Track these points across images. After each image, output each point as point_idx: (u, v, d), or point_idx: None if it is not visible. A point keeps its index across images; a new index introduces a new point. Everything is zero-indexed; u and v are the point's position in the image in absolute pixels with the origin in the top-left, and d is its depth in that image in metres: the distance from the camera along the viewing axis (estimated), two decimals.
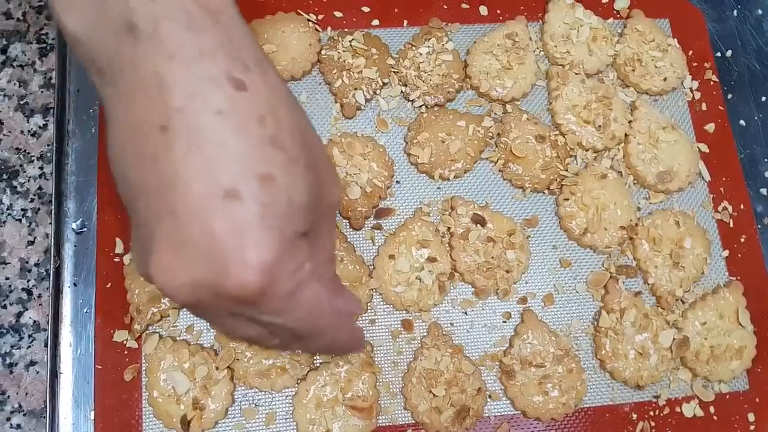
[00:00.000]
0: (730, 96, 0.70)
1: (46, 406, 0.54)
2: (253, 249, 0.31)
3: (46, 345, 0.56)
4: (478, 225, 0.61)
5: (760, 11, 0.73)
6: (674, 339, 0.60)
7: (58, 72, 0.63)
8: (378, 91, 0.65)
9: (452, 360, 0.57)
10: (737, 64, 0.71)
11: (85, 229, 0.60)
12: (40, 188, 0.62)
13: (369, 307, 0.59)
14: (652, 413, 0.59)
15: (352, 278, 0.59)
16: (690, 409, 0.60)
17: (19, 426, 0.56)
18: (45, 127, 0.64)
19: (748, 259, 0.65)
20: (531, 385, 0.57)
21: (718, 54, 0.71)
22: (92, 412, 0.55)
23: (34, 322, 0.59)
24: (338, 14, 0.68)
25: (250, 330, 0.38)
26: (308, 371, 0.56)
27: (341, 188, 0.37)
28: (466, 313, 0.60)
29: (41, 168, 0.63)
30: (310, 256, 0.36)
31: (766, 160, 0.68)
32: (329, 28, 0.67)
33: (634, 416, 0.59)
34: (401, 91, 0.65)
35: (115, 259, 0.58)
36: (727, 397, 0.60)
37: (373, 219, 0.62)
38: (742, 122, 0.69)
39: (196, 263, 0.31)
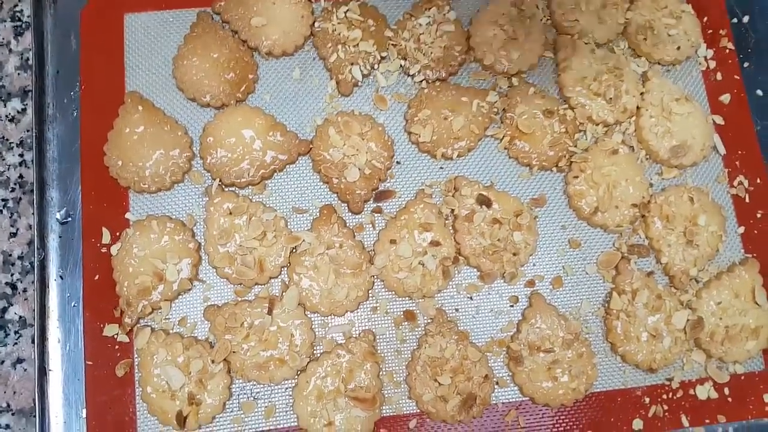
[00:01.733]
0: (746, 64, 0.66)
1: (35, 405, 0.52)
2: None
3: (33, 341, 0.54)
4: (483, 206, 0.58)
5: None
6: (688, 320, 0.57)
7: (36, 53, 0.60)
8: (376, 66, 0.62)
9: (458, 347, 0.55)
10: (754, 30, 0.67)
11: (69, 219, 0.57)
12: (21, 177, 0.59)
13: (370, 295, 0.57)
14: (665, 396, 0.57)
15: (352, 265, 0.56)
16: (704, 391, 0.58)
17: (8, 426, 0.54)
18: (24, 111, 0.60)
19: (765, 235, 0.62)
20: (540, 370, 0.55)
21: (734, 20, 0.67)
22: (84, 410, 0.52)
23: (20, 317, 0.56)
24: None
25: None
26: (308, 362, 0.54)
27: None
28: (471, 298, 0.58)
29: (21, 155, 0.60)
30: None
31: None
32: None
33: (647, 400, 0.57)
34: (400, 66, 0.62)
35: (102, 250, 0.55)
36: (742, 377, 0.59)
37: (373, 202, 0.59)
38: (759, 92, 0.66)
39: None
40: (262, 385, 0.54)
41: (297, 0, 0.61)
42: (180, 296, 0.55)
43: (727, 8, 0.67)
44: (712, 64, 0.65)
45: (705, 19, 0.66)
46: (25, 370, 0.55)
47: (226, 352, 0.53)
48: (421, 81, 0.61)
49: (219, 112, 0.59)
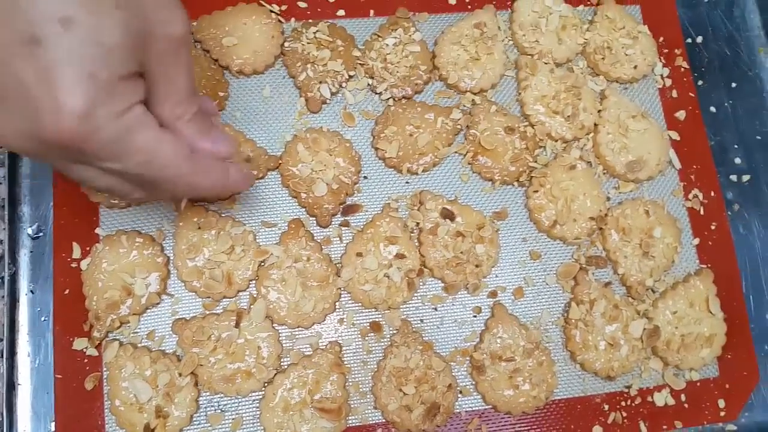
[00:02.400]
0: (700, 82, 0.69)
1: (3, 419, 0.53)
2: (64, 95, 0.31)
3: (2, 355, 0.55)
4: (447, 219, 0.60)
5: None
6: (645, 329, 0.59)
7: None
8: (344, 84, 0.63)
9: (422, 357, 0.57)
10: (708, 50, 0.70)
11: (41, 234, 0.58)
12: None
13: (337, 307, 0.58)
14: (623, 403, 0.59)
15: (319, 277, 0.57)
16: (661, 398, 0.60)
17: None
18: None
19: (719, 246, 0.64)
20: (501, 379, 0.57)
21: (689, 40, 0.70)
22: (53, 423, 0.53)
23: None
24: (302, 4, 0.65)
25: (102, 179, 0.38)
26: (275, 374, 0.55)
27: (182, 19, 0.38)
28: (436, 309, 0.59)
29: None
30: (143, 97, 0.36)
31: (735, 146, 0.68)
32: (293, 19, 0.65)
33: (606, 407, 0.59)
34: (368, 84, 0.64)
35: (73, 265, 0.56)
36: (698, 384, 0.61)
37: (341, 216, 0.61)
38: (712, 109, 0.68)
39: (14, 113, 0.33)
40: (229, 398, 0.55)
41: (267, 21, 0.63)
42: (148, 310, 0.56)
43: (682, 29, 0.70)
44: (668, 82, 0.68)
45: (661, 39, 0.69)
46: None
47: (193, 365, 0.54)
48: (388, 99, 0.63)
49: None
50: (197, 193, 0.44)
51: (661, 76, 0.68)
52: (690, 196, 0.65)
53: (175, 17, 0.37)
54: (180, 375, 0.53)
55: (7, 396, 0.53)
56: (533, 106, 0.63)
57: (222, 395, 0.55)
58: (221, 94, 0.61)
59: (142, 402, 0.52)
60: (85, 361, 0.55)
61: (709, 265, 0.63)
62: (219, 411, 0.55)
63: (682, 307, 0.61)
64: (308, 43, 0.63)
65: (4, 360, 0.54)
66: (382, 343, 0.58)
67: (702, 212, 0.65)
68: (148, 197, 0.43)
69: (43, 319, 0.56)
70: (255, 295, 0.57)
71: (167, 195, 0.44)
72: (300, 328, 0.57)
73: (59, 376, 0.54)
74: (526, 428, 0.58)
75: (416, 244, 0.60)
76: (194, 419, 0.54)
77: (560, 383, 0.59)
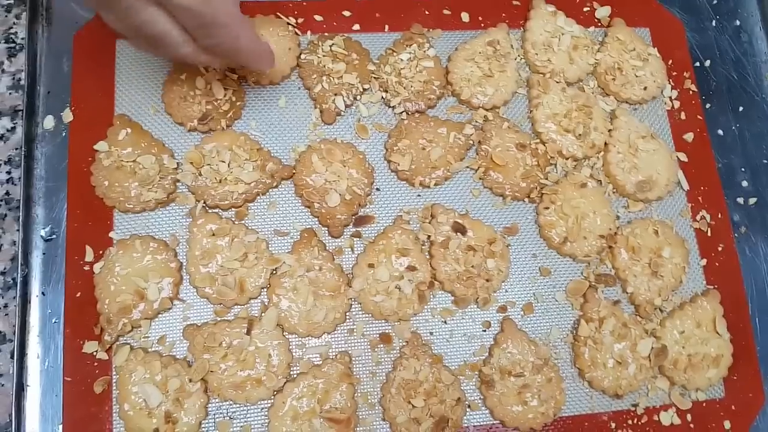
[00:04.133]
0: (708, 105, 0.70)
1: (11, 420, 0.53)
2: None
3: (12, 356, 0.54)
4: (458, 233, 0.60)
5: (737, 22, 0.74)
6: (652, 348, 0.60)
7: (28, 73, 0.61)
8: (358, 97, 0.64)
9: (431, 370, 0.57)
10: (715, 73, 0.71)
11: (54, 237, 0.58)
12: (7, 193, 0.60)
13: (348, 317, 0.58)
14: (630, 422, 0.59)
15: (331, 287, 0.58)
16: (668, 418, 0.60)
17: None
18: (13, 130, 0.62)
19: (726, 267, 0.65)
20: (510, 394, 0.57)
21: (697, 63, 0.71)
22: (60, 426, 0.53)
23: (0, 332, 0.56)
24: (318, 18, 0.66)
25: (159, 24, 0.43)
26: (285, 383, 0.55)
27: None
28: (445, 322, 0.59)
29: (9, 173, 0.61)
30: None
31: (743, 169, 0.69)
32: (309, 32, 0.66)
33: (613, 425, 0.59)
34: (382, 97, 0.65)
35: (85, 268, 0.56)
36: (704, 405, 0.61)
37: (353, 227, 0.61)
38: (720, 132, 0.70)
39: None
40: (238, 405, 0.55)
41: (284, 33, 0.64)
42: (160, 315, 0.56)
43: (690, 53, 0.71)
44: (677, 104, 0.69)
45: (670, 62, 0.70)
46: (3, 385, 0.55)
47: (204, 371, 0.54)
48: (401, 113, 0.64)
49: (206, 136, 0.61)
50: (238, 46, 0.49)
51: (670, 98, 0.69)
52: (698, 217, 0.66)
53: None
54: (190, 381, 0.53)
55: (17, 397, 0.53)
56: (545, 123, 0.64)
57: (231, 402, 0.55)
58: (238, 103, 0.62)
59: (151, 407, 0.52)
60: (95, 364, 0.54)
61: (716, 286, 0.64)
62: (228, 418, 0.54)
63: (689, 327, 0.61)
64: (324, 55, 0.64)
65: (15, 361, 0.54)
66: (392, 355, 0.58)
67: (709, 233, 0.66)
68: (191, 54, 0.47)
69: (54, 321, 0.56)
70: (266, 303, 0.57)
71: (213, 44, 0.47)
72: (310, 337, 0.57)
73: (68, 379, 0.54)
74: None
75: (427, 256, 0.60)
76: (203, 426, 0.54)
77: (568, 400, 0.59)
